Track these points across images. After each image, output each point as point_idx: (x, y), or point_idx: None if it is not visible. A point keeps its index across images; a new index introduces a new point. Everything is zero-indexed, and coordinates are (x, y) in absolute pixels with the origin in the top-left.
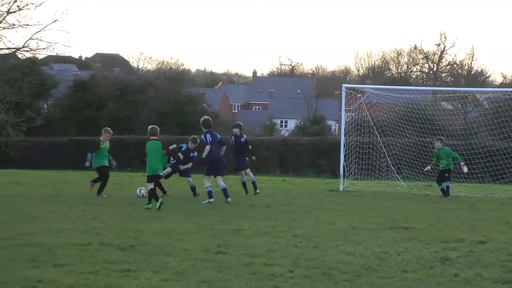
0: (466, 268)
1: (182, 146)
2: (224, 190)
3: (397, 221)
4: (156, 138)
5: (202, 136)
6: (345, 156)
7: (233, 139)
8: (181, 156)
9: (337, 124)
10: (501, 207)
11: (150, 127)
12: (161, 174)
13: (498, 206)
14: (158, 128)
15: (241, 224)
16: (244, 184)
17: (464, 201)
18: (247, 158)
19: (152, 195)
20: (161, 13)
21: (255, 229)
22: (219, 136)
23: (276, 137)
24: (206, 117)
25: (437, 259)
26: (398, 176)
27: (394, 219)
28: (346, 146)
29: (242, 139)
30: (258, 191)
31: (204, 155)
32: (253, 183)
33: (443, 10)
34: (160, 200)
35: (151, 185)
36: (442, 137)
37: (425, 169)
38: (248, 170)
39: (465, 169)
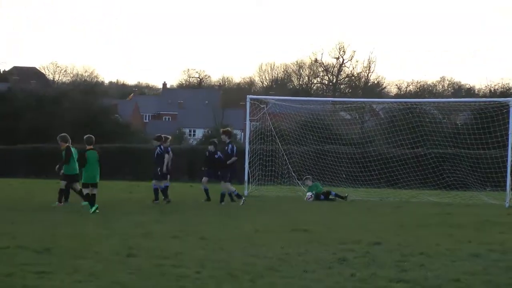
0: (362, 268)
1: None
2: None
3: (298, 224)
4: (92, 147)
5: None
6: (249, 163)
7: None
8: None
9: (242, 133)
10: (396, 210)
11: (86, 136)
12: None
13: (393, 209)
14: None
15: (151, 228)
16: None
17: (361, 204)
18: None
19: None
20: (75, 25)
21: (165, 232)
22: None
23: (184, 146)
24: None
25: (335, 260)
26: (299, 182)
27: (295, 222)
28: (251, 153)
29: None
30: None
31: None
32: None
33: (342, 24)
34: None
35: (87, 190)
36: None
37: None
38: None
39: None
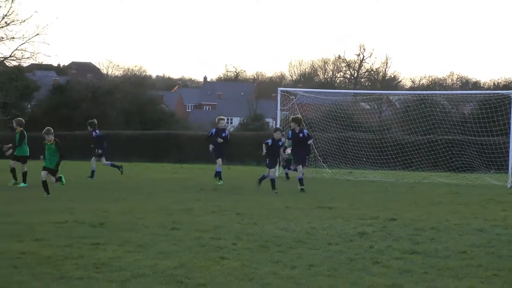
0: (380, 240)
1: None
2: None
3: (323, 202)
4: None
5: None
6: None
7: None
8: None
9: (273, 121)
10: (410, 190)
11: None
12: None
13: (407, 189)
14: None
15: (192, 205)
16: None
17: (379, 185)
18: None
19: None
20: (127, 26)
21: (204, 208)
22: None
23: None
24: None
25: (356, 234)
26: (324, 164)
27: (320, 200)
28: None
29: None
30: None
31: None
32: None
33: (363, 24)
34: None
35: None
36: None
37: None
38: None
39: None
